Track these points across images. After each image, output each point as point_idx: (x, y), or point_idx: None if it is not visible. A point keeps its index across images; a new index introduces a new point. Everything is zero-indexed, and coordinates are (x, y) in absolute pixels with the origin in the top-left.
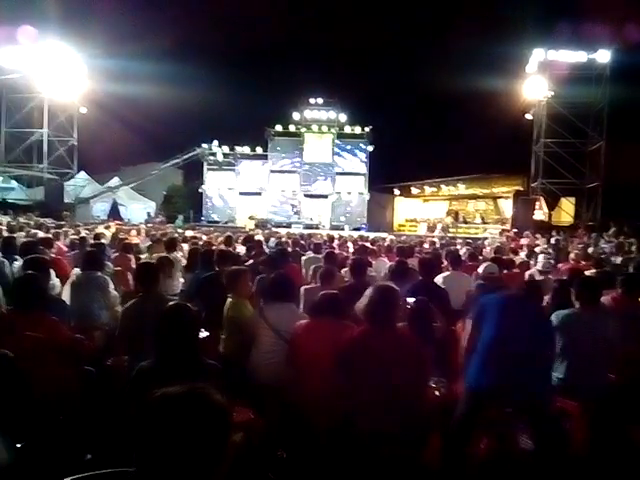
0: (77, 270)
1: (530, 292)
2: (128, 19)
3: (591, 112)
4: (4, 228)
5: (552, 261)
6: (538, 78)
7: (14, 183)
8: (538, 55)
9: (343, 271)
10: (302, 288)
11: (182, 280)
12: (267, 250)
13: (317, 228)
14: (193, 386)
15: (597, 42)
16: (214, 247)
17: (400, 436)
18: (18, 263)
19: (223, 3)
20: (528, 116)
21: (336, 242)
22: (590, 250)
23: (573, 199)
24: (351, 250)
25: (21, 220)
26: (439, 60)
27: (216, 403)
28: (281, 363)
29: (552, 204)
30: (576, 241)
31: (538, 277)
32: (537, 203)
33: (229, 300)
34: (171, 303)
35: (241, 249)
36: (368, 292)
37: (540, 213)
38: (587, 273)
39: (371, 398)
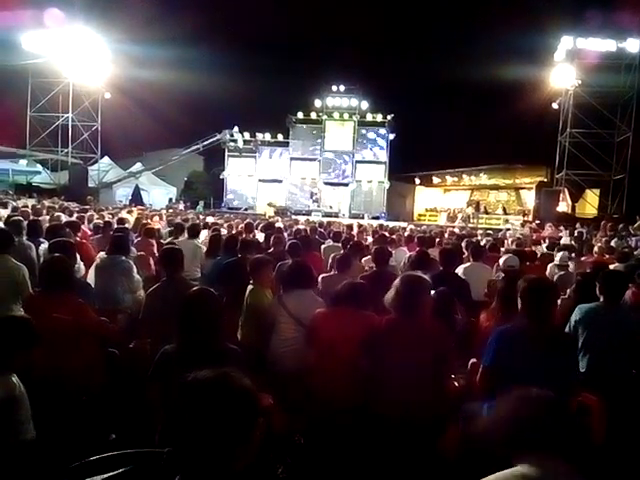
0: (102, 254)
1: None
2: (152, 5)
3: (619, 102)
4: (30, 211)
5: (572, 255)
6: (566, 66)
7: (39, 167)
8: (566, 43)
9: (363, 260)
10: (320, 276)
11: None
12: (287, 238)
13: (336, 216)
14: (222, 371)
15: (627, 31)
16: (242, 236)
17: (420, 423)
18: (44, 246)
19: None
20: (554, 105)
21: (355, 231)
22: (614, 243)
23: (598, 191)
24: (370, 240)
25: (46, 203)
26: (463, 47)
27: (244, 388)
28: (300, 350)
29: (576, 196)
30: (600, 234)
31: (557, 272)
32: (561, 194)
33: (250, 287)
34: (195, 288)
35: (260, 236)
36: (397, 282)
37: (564, 205)
38: (612, 267)
39: (394, 386)
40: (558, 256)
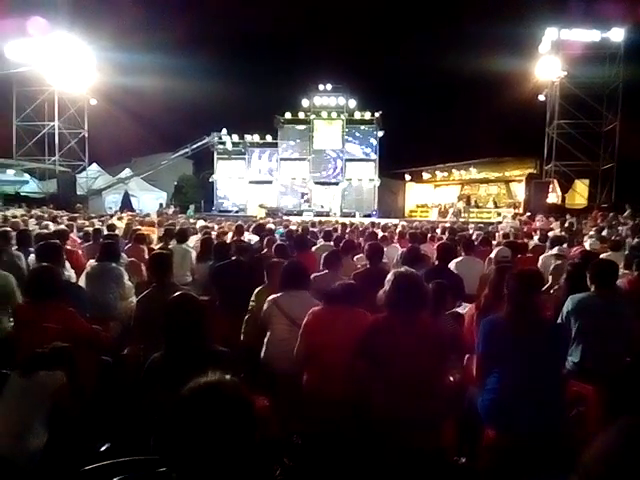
0: (92, 261)
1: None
2: (137, 11)
3: (605, 92)
4: (19, 221)
5: (564, 245)
6: (551, 58)
7: (27, 176)
8: (551, 34)
9: (356, 258)
10: (312, 276)
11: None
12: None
13: (328, 215)
14: (215, 380)
15: (610, 20)
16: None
17: (418, 422)
18: (33, 256)
19: None
20: (541, 97)
21: (347, 229)
22: (605, 233)
23: (587, 181)
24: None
25: (35, 213)
26: (449, 42)
27: (239, 395)
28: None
29: (566, 187)
30: (590, 224)
31: (554, 262)
32: (550, 186)
33: (265, 288)
34: (176, 294)
35: (252, 238)
36: (389, 278)
37: (553, 196)
38: (604, 255)
39: (391, 385)
40: (555, 249)
